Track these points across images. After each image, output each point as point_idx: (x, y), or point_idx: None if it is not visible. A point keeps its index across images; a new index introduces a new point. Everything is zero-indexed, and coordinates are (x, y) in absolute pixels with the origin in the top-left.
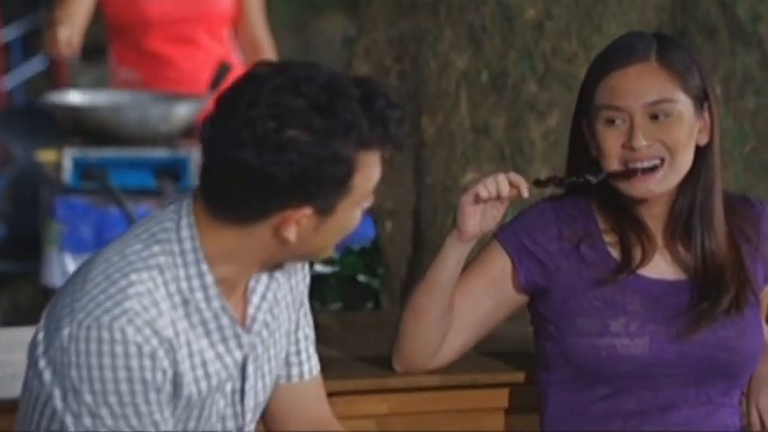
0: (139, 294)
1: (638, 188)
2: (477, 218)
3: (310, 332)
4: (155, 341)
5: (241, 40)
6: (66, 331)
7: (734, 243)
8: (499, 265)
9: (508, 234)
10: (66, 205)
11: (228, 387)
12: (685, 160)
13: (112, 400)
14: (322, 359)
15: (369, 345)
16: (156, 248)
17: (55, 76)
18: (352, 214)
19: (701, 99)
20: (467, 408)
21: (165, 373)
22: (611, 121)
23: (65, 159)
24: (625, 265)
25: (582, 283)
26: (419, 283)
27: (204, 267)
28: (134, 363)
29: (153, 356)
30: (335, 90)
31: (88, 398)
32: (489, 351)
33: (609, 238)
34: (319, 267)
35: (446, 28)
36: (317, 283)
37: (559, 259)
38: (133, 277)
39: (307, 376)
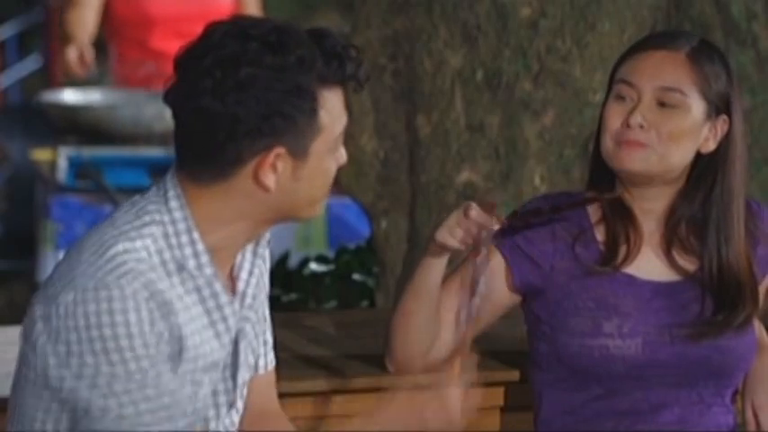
0: (137, 260)
1: (621, 159)
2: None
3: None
4: (152, 303)
5: None
6: (70, 296)
7: (748, 256)
8: (492, 264)
9: (502, 233)
10: (62, 204)
11: (221, 360)
12: (675, 155)
13: (115, 357)
14: (318, 358)
15: (364, 343)
16: (146, 218)
17: (50, 75)
18: (327, 163)
19: (719, 108)
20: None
21: (161, 335)
22: (620, 98)
23: (60, 158)
24: (610, 260)
25: (575, 282)
26: (406, 287)
27: (195, 235)
28: (143, 315)
29: (152, 315)
30: (285, 30)
31: (90, 359)
32: (484, 350)
33: (600, 236)
34: (315, 266)
35: (440, 26)
36: (312, 281)
37: (554, 259)
38: (127, 245)
39: (270, 366)
